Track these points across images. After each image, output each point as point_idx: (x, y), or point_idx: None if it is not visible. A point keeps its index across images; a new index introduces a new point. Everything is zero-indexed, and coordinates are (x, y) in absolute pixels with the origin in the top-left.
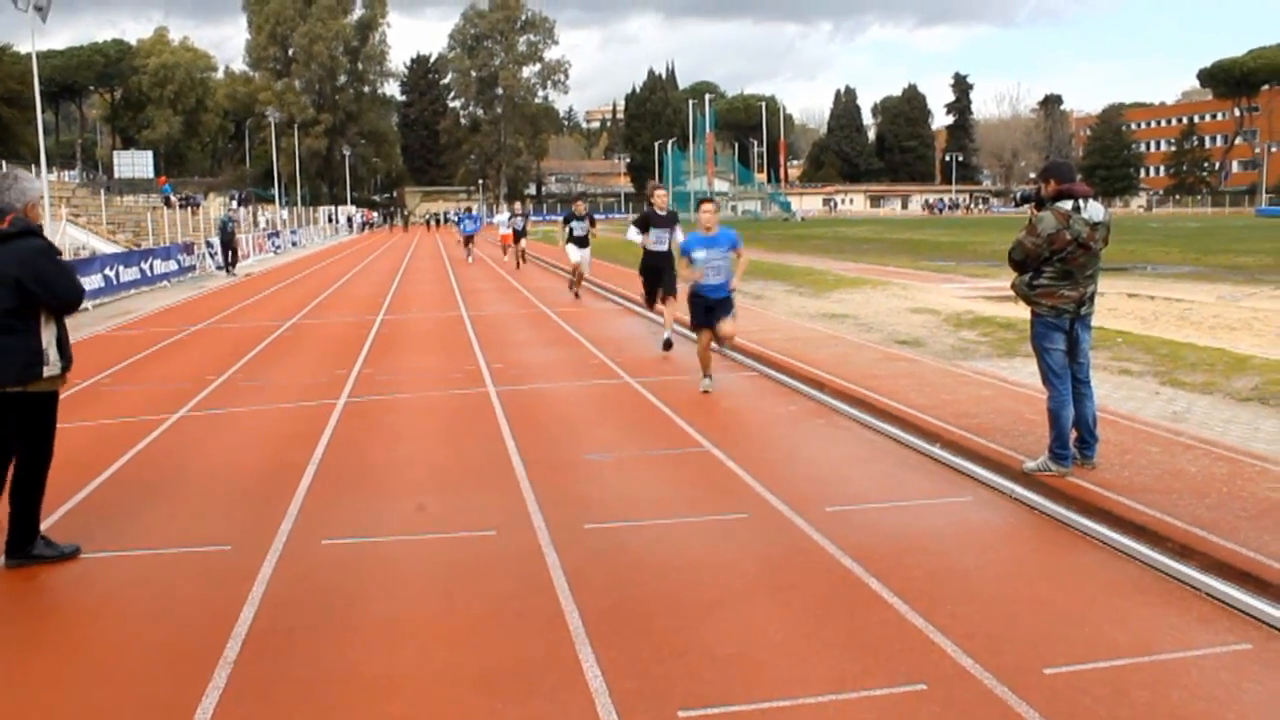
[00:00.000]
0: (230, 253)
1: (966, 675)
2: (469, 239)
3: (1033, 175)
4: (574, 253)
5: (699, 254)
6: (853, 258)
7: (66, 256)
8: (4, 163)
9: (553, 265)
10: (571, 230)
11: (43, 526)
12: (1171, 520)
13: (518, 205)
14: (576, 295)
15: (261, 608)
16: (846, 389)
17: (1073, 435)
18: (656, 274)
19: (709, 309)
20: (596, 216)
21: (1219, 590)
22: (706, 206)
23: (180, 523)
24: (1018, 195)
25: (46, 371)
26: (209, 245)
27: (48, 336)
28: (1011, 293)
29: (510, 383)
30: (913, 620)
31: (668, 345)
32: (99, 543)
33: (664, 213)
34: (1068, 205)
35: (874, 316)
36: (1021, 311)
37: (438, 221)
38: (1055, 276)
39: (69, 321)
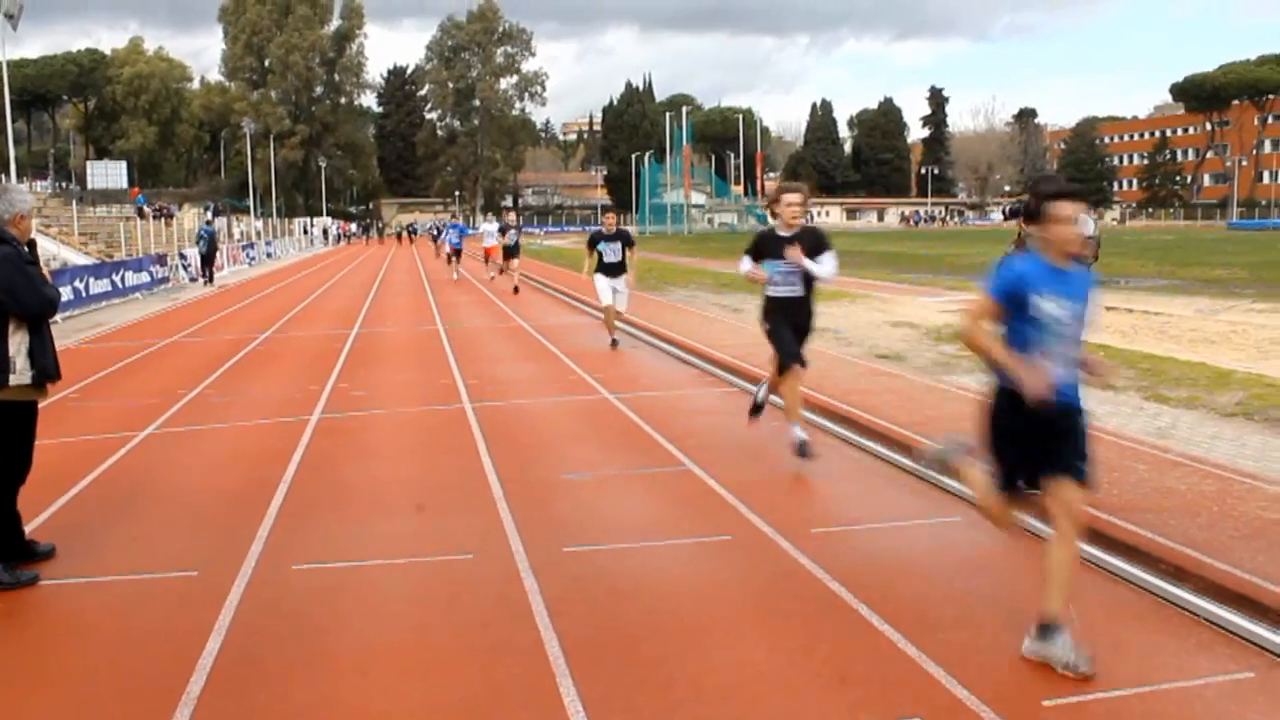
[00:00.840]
0: (208, 264)
1: (963, 708)
2: (456, 253)
3: (1008, 189)
4: (604, 289)
5: (1050, 305)
6: None
7: None
8: None
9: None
10: (601, 256)
11: None
12: (1163, 541)
13: (511, 216)
14: (615, 342)
15: (229, 637)
16: (829, 405)
17: None
18: (793, 331)
19: (1040, 441)
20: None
21: (1216, 614)
22: (1070, 208)
23: (145, 546)
24: (1006, 209)
25: (13, 380)
26: (182, 257)
27: (16, 344)
28: None
29: (487, 398)
30: (904, 648)
31: (802, 450)
32: (59, 568)
33: (790, 232)
34: None
35: (853, 330)
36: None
37: (410, 233)
38: None
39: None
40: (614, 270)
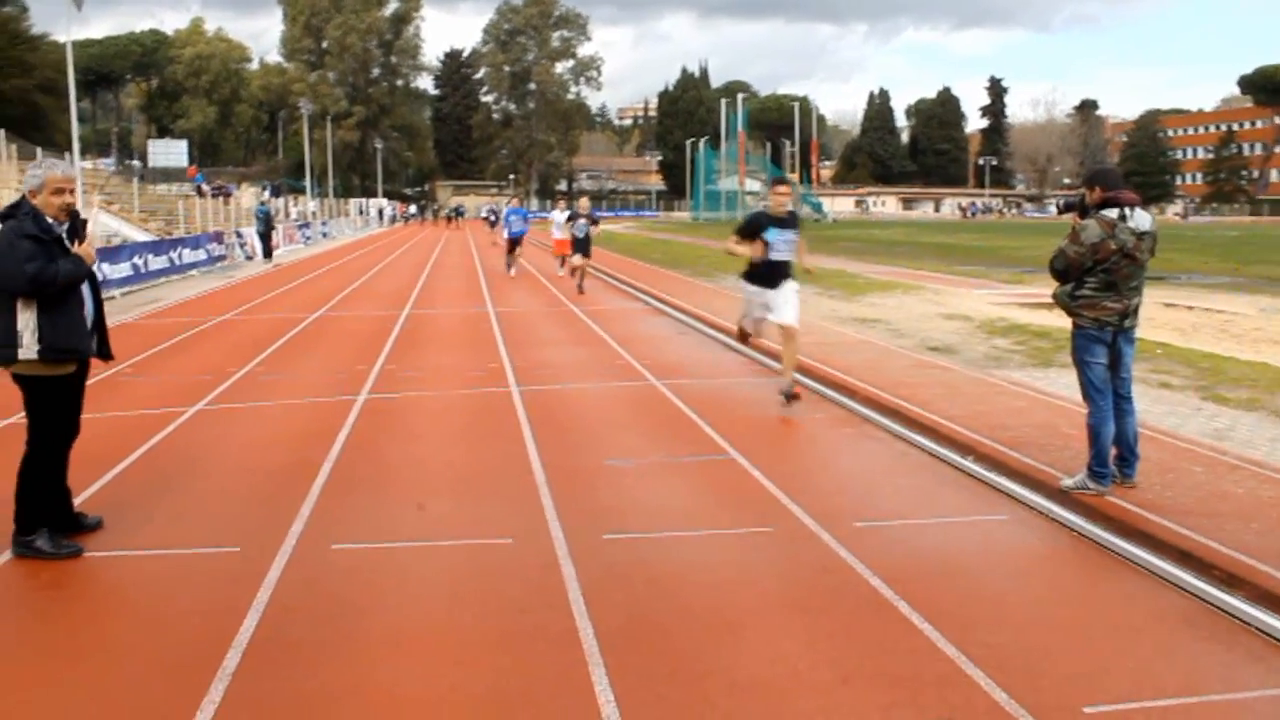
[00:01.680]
0: (266, 240)
1: (1000, 712)
2: (514, 243)
3: (1067, 181)
4: (755, 302)
5: None
6: (885, 260)
7: (98, 244)
8: (40, 150)
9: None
10: (769, 248)
11: None
12: (1217, 546)
13: (584, 202)
14: (792, 398)
15: (265, 615)
16: (877, 397)
17: (1113, 452)
18: None
19: None
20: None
21: (1269, 624)
22: None
23: (189, 523)
24: (1060, 203)
25: (21, 354)
26: (239, 235)
27: (25, 319)
28: (1048, 300)
29: (533, 382)
30: (944, 649)
31: None
32: (104, 542)
33: None
34: (1114, 213)
35: (906, 321)
36: (1056, 319)
37: (458, 216)
38: (1098, 287)
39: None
40: (775, 275)
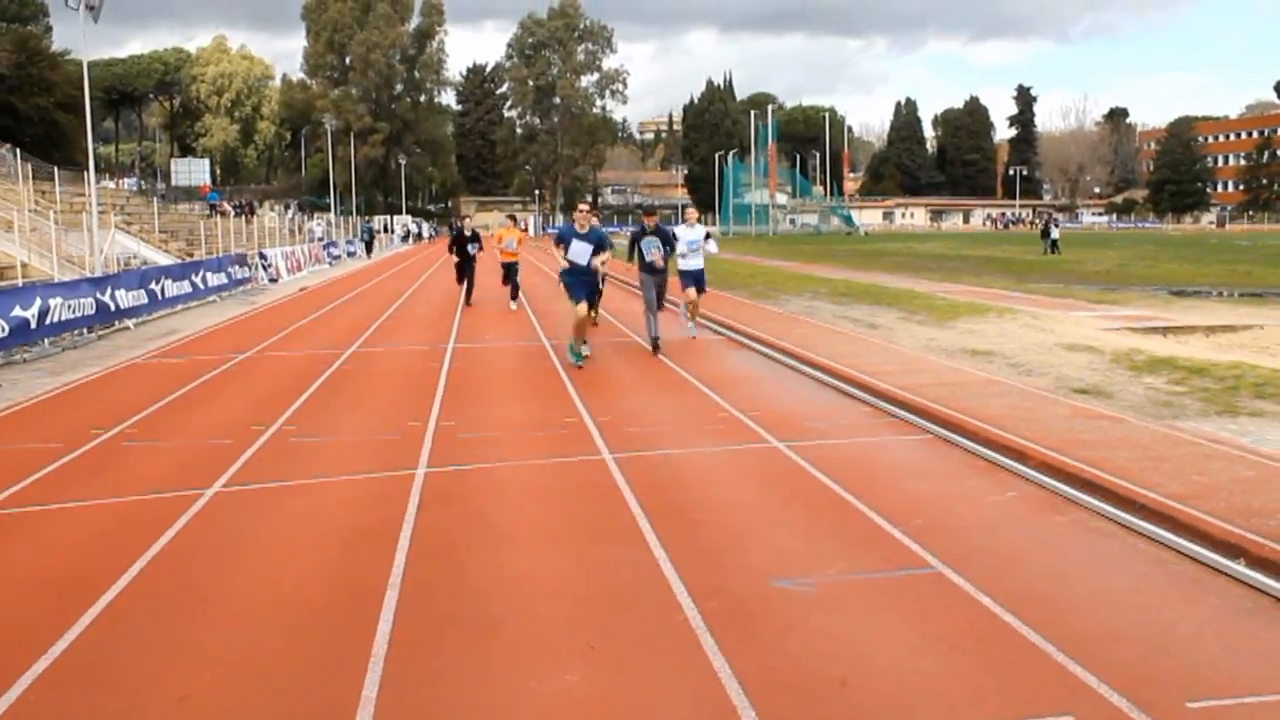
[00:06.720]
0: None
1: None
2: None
3: (1098, 190)
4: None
5: None
6: (946, 277)
7: (114, 268)
8: (56, 170)
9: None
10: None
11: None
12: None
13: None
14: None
15: None
16: (1063, 464)
17: None
18: None
19: None
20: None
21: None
22: None
23: (196, 702)
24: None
25: None
26: (262, 256)
27: None
28: (1163, 325)
29: (629, 447)
30: None
31: None
32: None
33: None
34: None
35: (1022, 354)
36: (1205, 353)
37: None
38: None
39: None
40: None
